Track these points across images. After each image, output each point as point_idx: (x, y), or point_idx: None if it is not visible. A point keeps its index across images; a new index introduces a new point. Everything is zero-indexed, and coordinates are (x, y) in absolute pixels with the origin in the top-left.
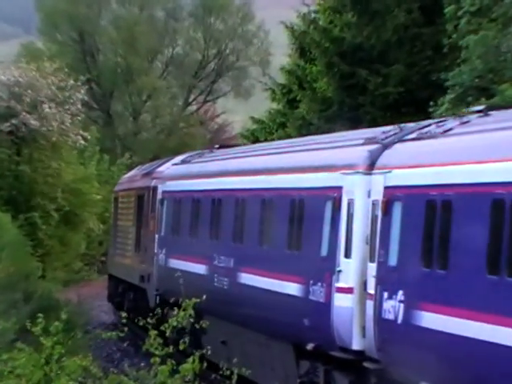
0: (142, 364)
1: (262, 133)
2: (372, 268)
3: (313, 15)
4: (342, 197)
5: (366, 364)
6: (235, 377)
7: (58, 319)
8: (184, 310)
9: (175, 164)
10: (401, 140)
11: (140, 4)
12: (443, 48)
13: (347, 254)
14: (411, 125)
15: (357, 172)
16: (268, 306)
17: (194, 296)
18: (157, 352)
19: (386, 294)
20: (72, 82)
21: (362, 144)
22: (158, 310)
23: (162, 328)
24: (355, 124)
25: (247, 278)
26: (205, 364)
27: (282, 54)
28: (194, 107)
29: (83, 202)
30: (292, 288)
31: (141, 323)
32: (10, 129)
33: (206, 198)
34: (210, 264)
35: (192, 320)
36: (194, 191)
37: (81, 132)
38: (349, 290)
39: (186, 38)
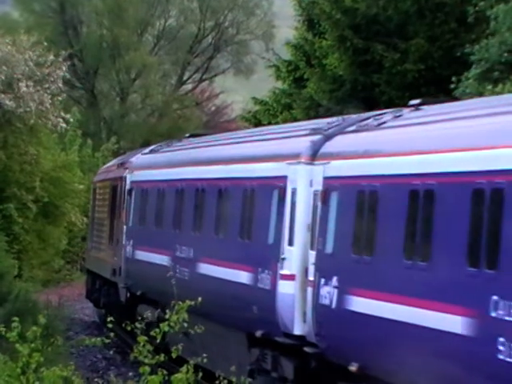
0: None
1: (265, 115)
2: (312, 255)
3: None
4: (286, 186)
5: (306, 349)
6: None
7: (36, 324)
8: (177, 313)
9: (144, 154)
10: (341, 132)
11: None
12: (468, 19)
13: (291, 242)
14: (354, 116)
15: (299, 162)
16: (224, 295)
17: (158, 288)
18: (146, 360)
19: (323, 281)
20: (52, 57)
21: (307, 135)
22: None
23: (152, 333)
24: (369, 105)
25: (205, 268)
26: (200, 374)
27: (287, 27)
28: (188, 86)
29: (64, 192)
30: (243, 276)
31: (128, 328)
32: None
33: (170, 188)
34: (172, 255)
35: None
36: (159, 181)
37: (62, 114)
38: (291, 277)
39: (180, 9)
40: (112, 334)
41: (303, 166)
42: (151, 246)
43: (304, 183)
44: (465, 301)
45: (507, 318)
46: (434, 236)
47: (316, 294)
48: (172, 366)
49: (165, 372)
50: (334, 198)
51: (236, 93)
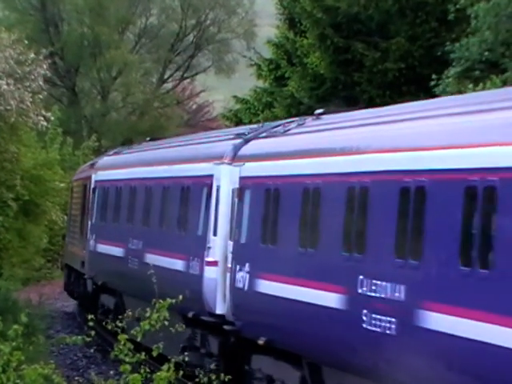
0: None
1: (246, 114)
2: (231, 245)
3: None
4: (212, 184)
5: (225, 327)
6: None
7: (17, 322)
8: (157, 311)
9: (108, 155)
10: (256, 137)
11: None
12: (449, 17)
13: (215, 233)
14: (271, 124)
15: (222, 163)
16: (165, 282)
17: (115, 278)
18: (127, 359)
19: (238, 267)
20: (33, 55)
21: (231, 139)
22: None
23: (132, 332)
24: (350, 104)
25: (151, 258)
26: (181, 372)
27: (268, 25)
28: (169, 85)
29: (45, 190)
30: (179, 264)
31: (109, 326)
32: None
33: (125, 187)
34: (125, 247)
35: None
36: (117, 180)
37: (43, 112)
38: (215, 264)
39: (162, 7)
40: (93, 333)
41: (225, 166)
42: (109, 240)
43: (226, 181)
44: (339, 280)
45: (369, 294)
46: (320, 228)
47: (233, 279)
48: (152, 364)
49: (147, 370)
50: (247, 195)
51: (217, 91)
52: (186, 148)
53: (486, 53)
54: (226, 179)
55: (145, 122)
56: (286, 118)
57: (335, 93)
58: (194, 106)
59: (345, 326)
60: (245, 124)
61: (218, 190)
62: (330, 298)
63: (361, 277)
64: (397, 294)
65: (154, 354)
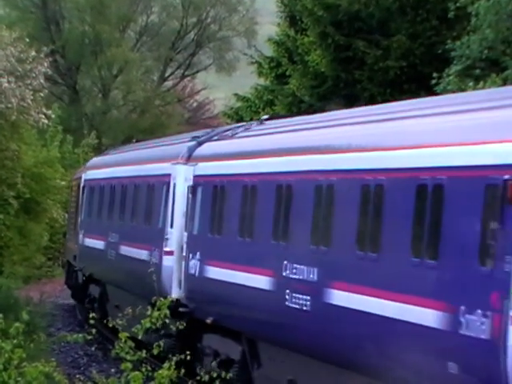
0: (112, 370)
1: (247, 112)
2: (185, 236)
3: None
4: (170, 181)
5: (180, 309)
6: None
7: (18, 320)
8: (159, 309)
9: (98, 156)
10: (209, 140)
11: None
12: (449, 15)
13: (172, 226)
14: (223, 128)
15: (178, 163)
16: (134, 271)
17: (99, 269)
18: (128, 357)
19: (191, 255)
20: (34, 53)
21: (188, 141)
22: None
23: (133, 330)
24: (351, 102)
25: (124, 250)
26: (182, 370)
27: (269, 23)
28: (170, 83)
29: (46, 188)
30: (144, 254)
31: (110, 324)
32: None
33: (107, 185)
34: (106, 240)
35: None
36: (100, 179)
37: (44, 110)
38: (171, 253)
39: (163, 5)
40: (94, 331)
41: (181, 166)
42: (94, 234)
43: (181, 179)
44: (269, 265)
45: (291, 276)
46: (255, 220)
47: (186, 266)
48: (153, 362)
49: (148, 368)
50: (199, 192)
51: (218, 89)
52: (153, 149)
53: (487, 51)
54: (182, 177)
55: (145, 120)
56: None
57: (336, 91)
58: (195, 104)
59: (272, 305)
60: (246, 121)
61: (174, 187)
62: (261, 281)
63: (285, 262)
64: (311, 276)
65: (155, 352)
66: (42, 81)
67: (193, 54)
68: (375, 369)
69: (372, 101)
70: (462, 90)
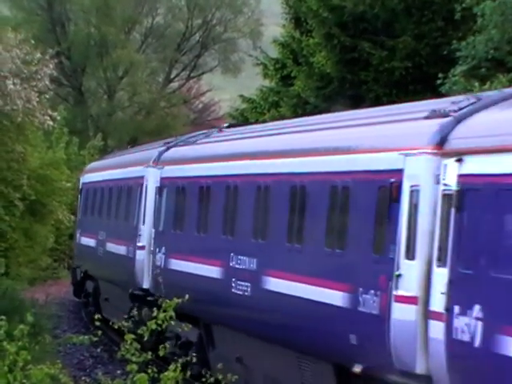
0: (118, 372)
1: (252, 113)
2: (153, 232)
3: None
4: (143, 183)
5: (149, 298)
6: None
7: (23, 322)
8: (164, 311)
9: (97, 160)
10: (175, 145)
11: None
12: (455, 16)
13: (144, 223)
14: (190, 134)
15: (149, 165)
16: (116, 265)
17: (91, 265)
18: (134, 358)
19: (157, 249)
20: (39, 55)
21: (160, 146)
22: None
23: (139, 331)
24: (357, 103)
25: (109, 246)
26: (188, 372)
27: (275, 25)
28: (176, 84)
29: (51, 190)
30: (122, 250)
31: (116, 326)
32: None
33: (99, 187)
34: (96, 238)
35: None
36: (94, 182)
37: (49, 112)
38: (143, 248)
39: (168, 6)
40: (99, 332)
41: (151, 168)
42: (88, 233)
43: (152, 181)
44: (219, 257)
45: (236, 266)
46: (209, 218)
47: (154, 259)
48: (158, 364)
49: (154, 370)
50: (164, 192)
51: (223, 91)
52: (135, 154)
53: (492, 51)
54: (152, 179)
55: (151, 122)
56: (292, 118)
57: (342, 92)
58: (201, 106)
59: (221, 292)
60: (251, 123)
61: (146, 188)
62: (213, 271)
63: (232, 254)
64: (252, 265)
65: (161, 353)
66: (47, 82)
67: (198, 55)
68: (301, 344)
69: (378, 102)
70: (468, 91)
